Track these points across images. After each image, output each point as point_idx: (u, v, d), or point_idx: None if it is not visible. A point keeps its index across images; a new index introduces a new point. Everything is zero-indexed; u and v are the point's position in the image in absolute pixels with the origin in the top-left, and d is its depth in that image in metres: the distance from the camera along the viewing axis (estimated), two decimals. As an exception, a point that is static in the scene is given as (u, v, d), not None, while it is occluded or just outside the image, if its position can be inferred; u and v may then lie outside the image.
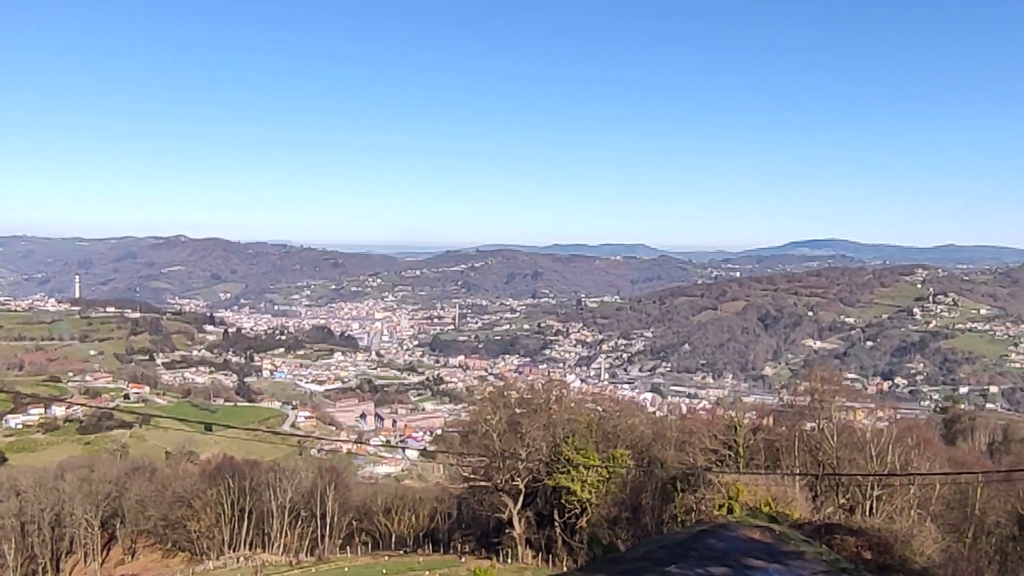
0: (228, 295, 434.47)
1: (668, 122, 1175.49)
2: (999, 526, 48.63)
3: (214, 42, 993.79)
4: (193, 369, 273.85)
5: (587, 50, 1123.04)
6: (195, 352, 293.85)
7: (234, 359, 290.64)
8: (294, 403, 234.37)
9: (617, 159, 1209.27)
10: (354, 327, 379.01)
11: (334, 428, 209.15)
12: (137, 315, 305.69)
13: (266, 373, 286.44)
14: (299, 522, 75.47)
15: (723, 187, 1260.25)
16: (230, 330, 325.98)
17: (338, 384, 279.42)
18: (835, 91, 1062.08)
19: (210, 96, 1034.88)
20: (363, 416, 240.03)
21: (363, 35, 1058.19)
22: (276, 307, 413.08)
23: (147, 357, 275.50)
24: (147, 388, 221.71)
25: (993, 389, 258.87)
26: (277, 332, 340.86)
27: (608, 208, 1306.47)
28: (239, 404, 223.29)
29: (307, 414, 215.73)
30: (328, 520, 74.65)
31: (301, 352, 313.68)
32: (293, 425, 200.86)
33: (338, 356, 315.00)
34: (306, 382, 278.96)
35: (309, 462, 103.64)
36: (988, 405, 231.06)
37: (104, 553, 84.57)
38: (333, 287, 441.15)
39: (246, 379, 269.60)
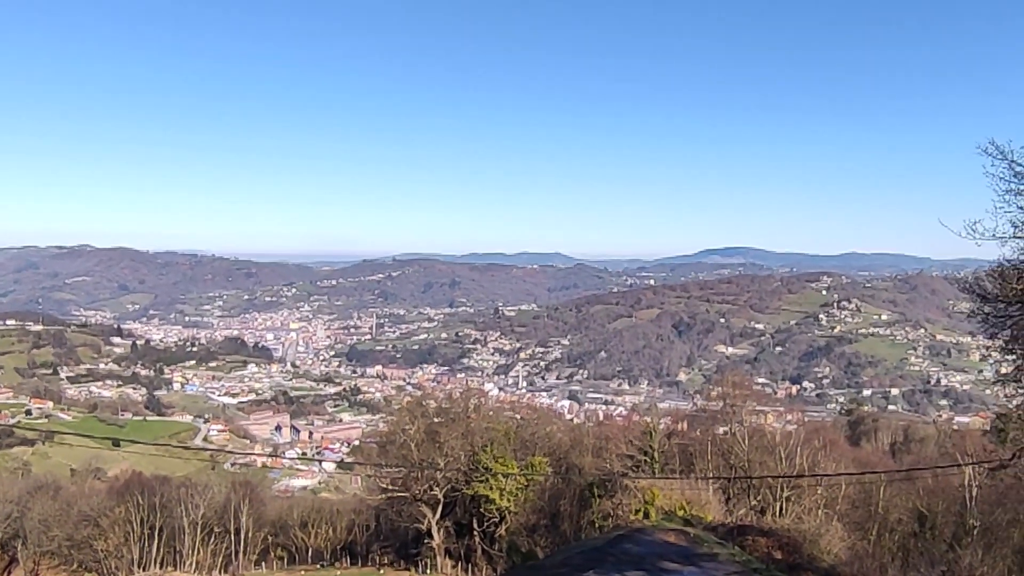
0: (136, 306, 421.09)
1: (583, 132, 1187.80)
2: (901, 523, 50.41)
3: (116, 40, 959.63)
4: (100, 383, 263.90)
5: (501, 59, 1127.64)
6: (102, 365, 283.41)
7: (143, 372, 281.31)
8: (206, 416, 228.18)
9: (534, 168, 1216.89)
10: (269, 338, 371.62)
11: (248, 441, 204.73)
12: (39, 327, 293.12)
13: (177, 386, 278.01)
14: (212, 538, 73.45)
15: (638, 196, 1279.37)
16: (139, 342, 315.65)
17: (252, 396, 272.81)
18: (742, 104, 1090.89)
19: (113, 97, 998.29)
20: (278, 428, 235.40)
21: (274, 37, 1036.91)
22: (187, 318, 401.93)
23: (50, 371, 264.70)
24: (50, 403, 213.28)
25: (894, 391, 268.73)
26: (188, 344, 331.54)
27: (525, 217, 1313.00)
28: (148, 418, 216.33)
29: (220, 427, 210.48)
30: (242, 536, 72.90)
31: (213, 364, 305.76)
32: (205, 439, 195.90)
33: (252, 368, 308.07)
34: (219, 395, 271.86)
35: (222, 477, 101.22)
36: (890, 407, 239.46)
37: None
38: (246, 297, 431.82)
39: (156, 392, 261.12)
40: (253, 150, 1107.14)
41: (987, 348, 20.04)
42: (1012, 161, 15.86)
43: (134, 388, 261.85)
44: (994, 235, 16.33)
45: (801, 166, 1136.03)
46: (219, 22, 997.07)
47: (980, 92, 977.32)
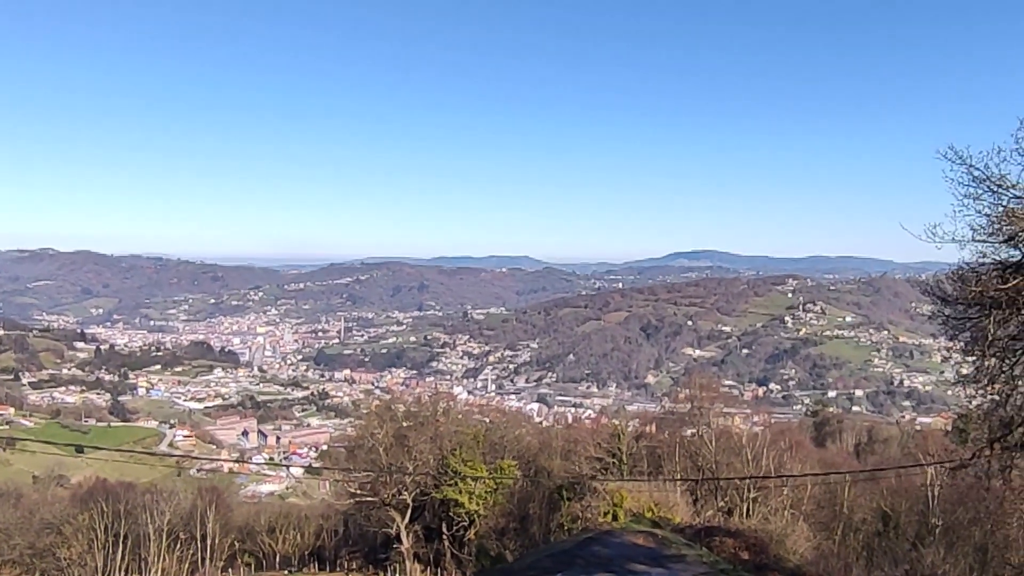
0: (100, 311, 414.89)
1: (550, 135, 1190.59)
2: (865, 523, 51.10)
3: (74, 40, 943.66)
4: (63, 388, 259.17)
5: (468, 63, 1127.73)
6: (65, 371, 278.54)
7: (107, 377, 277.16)
8: (172, 422, 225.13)
9: (502, 171, 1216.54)
10: (235, 342, 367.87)
11: (215, 447, 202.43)
12: (0, 332, 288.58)
13: (142, 391, 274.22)
14: (178, 545, 72.51)
15: (606, 199, 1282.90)
16: (102, 347, 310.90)
17: (219, 401, 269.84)
18: (709, 109, 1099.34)
19: (75, 99, 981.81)
20: (245, 433, 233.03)
21: (240, 39, 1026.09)
22: (152, 323, 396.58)
23: (12, 377, 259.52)
24: (12, 410, 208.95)
25: (858, 393, 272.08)
26: (153, 348, 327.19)
27: (493, 220, 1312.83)
28: (113, 424, 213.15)
29: (186, 433, 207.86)
30: (209, 542, 72.06)
31: (179, 369, 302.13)
32: (171, 445, 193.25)
33: (218, 372, 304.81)
34: (185, 400, 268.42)
35: (188, 483, 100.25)
36: (854, 408, 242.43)
37: (-37, 586, 79.40)
38: (212, 301, 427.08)
39: (120, 398, 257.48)
40: (219, 153, 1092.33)
41: (948, 350, 20.43)
42: (970, 166, 16.15)
43: (98, 394, 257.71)
44: (953, 238, 16.62)
45: (767, 170, 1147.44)
46: (181, 24, 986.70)
47: (942, 98, 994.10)
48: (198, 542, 71.47)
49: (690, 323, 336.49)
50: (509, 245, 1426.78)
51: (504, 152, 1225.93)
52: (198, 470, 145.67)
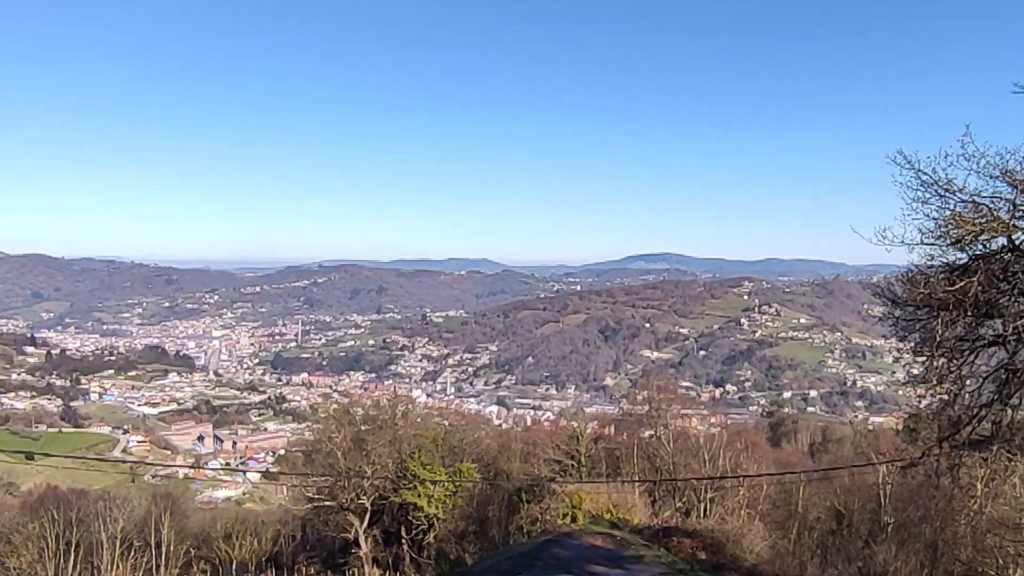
0: (51, 314, 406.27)
1: (509, 137, 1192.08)
2: (820, 521, 51.85)
3: (23, 38, 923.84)
4: (12, 394, 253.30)
5: (425, 64, 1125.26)
6: (14, 376, 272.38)
7: (58, 382, 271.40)
8: (126, 427, 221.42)
9: (461, 174, 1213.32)
10: (190, 346, 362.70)
11: (169, 452, 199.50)
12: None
13: (94, 396, 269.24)
14: (132, 553, 71.24)
15: (564, 202, 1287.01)
16: (53, 352, 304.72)
17: (174, 406, 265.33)
18: (664, 112, 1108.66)
19: (22, 96, 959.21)
20: (201, 438, 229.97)
21: (194, 37, 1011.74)
22: (105, 326, 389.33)
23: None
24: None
25: (813, 393, 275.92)
26: (106, 353, 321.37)
27: (452, 223, 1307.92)
28: (64, 430, 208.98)
29: (140, 438, 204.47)
30: (164, 549, 70.92)
31: (133, 373, 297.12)
32: (124, 450, 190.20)
33: (173, 376, 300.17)
34: (139, 405, 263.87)
35: (143, 489, 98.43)
36: (809, 408, 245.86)
37: (-93, 597, 77.36)
38: (167, 305, 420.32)
39: (72, 403, 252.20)
40: (173, 154, 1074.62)
41: (899, 350, 20.93)
42: (919, 171, 16.49)
43: (49, 399, 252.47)
44: (903, 241, 16.96)
45: (723, 173, 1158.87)
46: (132, 20, 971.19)
47: (894, 103, 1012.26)
48: (153, 549, 70.32)
49: (648, 325, 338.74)
50: (468, 248, 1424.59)
51: (463, 154, 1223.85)
52: (152, 476, 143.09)
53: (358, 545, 54.95)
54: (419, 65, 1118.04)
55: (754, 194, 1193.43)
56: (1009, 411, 17.49)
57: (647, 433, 58.88)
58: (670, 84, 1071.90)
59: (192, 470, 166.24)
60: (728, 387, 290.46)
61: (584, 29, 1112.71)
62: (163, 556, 70.90)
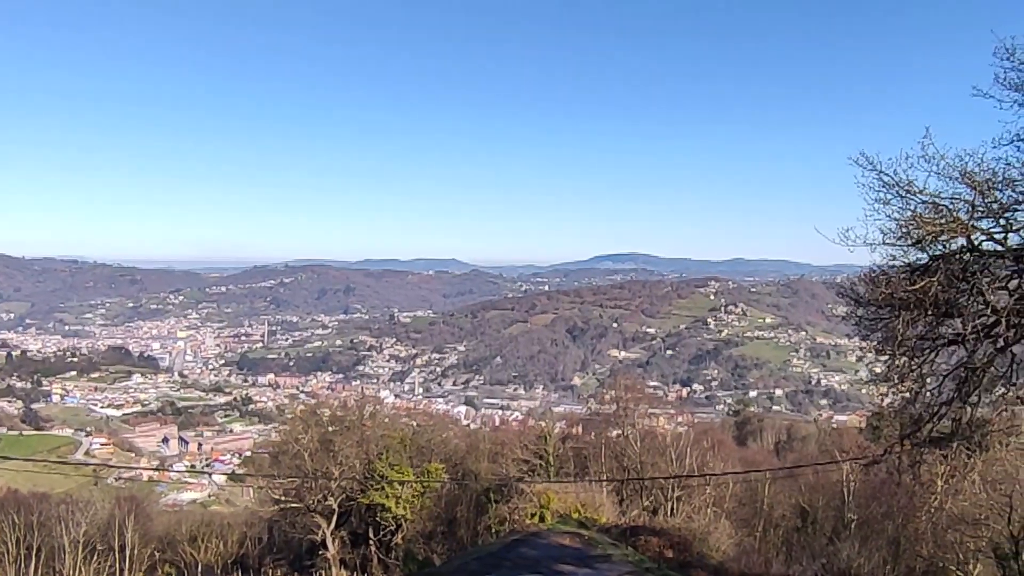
0: (11, 315, 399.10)
1: (477, 138, 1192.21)
2: (784, 519, 52.41)
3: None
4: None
5: (392, 62, 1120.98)
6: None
7: (19, 384, 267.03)
8: (88, 429, 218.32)
9: (429, 174, 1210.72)
10: (155, 347, 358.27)
11: (133, 455, 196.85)
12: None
13: (56, 398, 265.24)
14: (95, 557, 70.30)
15: (532, 203, 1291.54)
16: (14, 353, 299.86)
17: (138, 408, 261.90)
18: (632, 112, 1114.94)
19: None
20: (165, 440, 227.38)
21: (157, 33, 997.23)
22: (67, 327, 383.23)
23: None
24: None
25: (778, 392, 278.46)
26: (68, 354, 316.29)
27: (420, 223, 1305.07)
28: (25, 433, 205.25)
29: (103, 441, 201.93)
30: (128, 553, 70.03)
31: (96, 375, 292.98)
32: (87, 453, 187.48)
33: (137, 378, 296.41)
34: (102, 407, 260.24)
35: (106, 492, 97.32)
36: (774, 407, 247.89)
37: None
38: (131, 305, 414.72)
39: (33, 405, 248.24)
40: (137, 152, 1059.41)
41: (862, 349, 21.07)
42: (880, 171, 16.70)
43: (9, 401, 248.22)
44: (865, 242, 17.13)
45: (690, 174, 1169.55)
46: (90, 15, 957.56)
47: (857, 105, 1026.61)
48: (116, 553, 69.44)
49: (615, 325, 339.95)
50: (436, 248, 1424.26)
51: (431, 155, 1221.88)
52: (116, 479, 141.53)
53: (325, 547, 54.61)
54: (386, 64, 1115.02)
55: (720, 194, 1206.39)
56: (968, 409, 17.75)
57: (615, 432, 59.12)
58: (637, 86, 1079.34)
59: (157, 472, 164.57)
60: (695, 386, 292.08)
61: (547, 30, 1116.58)
62: (127, 560, 70.00)
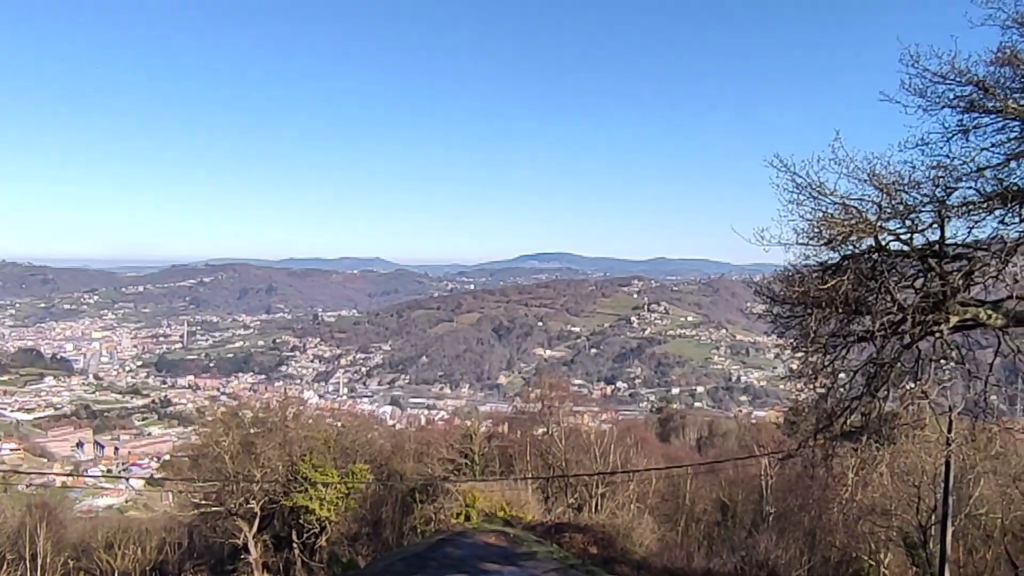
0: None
1: (402, 136, 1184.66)
2: (706, 513, 53.58)
3: None
4: None
5: (324, 59, 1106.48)
6: None
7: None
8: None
9: (354, 173, 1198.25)
10: (68, 348, 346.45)
11: (46, 460, 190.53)
12: None
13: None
14: (4, 567, 67.83)
15: (458, 201, 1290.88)
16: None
17: (50, 411, 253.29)
18: (555, 112, 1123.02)
19: None
20: (80, 445, 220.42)
21: (76, 31, 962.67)
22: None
23: None
24: None
25: (700, 389, 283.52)
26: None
27: (345, 222, 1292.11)
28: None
29: (13, 446, 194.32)
30: (39, 562, 67.71)
31: (5, 378, 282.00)
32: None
33: (49, 380, 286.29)
34: (11, 410, 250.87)
35: (16, 499, 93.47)
36: (696, 404, 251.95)
37: None
38: (43, 305, 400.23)
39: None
40: (49, 145, 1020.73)
41: (779, 347, 21.58)
42: (794, 173, 17.14)
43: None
44: (780, 242, 17.54)
45: (614, 174, 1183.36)
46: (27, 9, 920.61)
47: (775, 106, 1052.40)
48: (27, 563, 67.10)
49: (540, 324, 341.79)
50: (361, 247, 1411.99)
51: (355, 152, 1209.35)
52: (27, 485, 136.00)
53: (247, 551, 53.67)
54: (304, 60, 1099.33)
55: (642, 194, 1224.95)
56: (877, 403, 18.36)
57: (540, 431, 59.54)
58: (559, 84, 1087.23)
59: (70, 478, 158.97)
60: (619, 384, 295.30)
61: (467, 26, 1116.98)
62: (39, 569, 67.71)
